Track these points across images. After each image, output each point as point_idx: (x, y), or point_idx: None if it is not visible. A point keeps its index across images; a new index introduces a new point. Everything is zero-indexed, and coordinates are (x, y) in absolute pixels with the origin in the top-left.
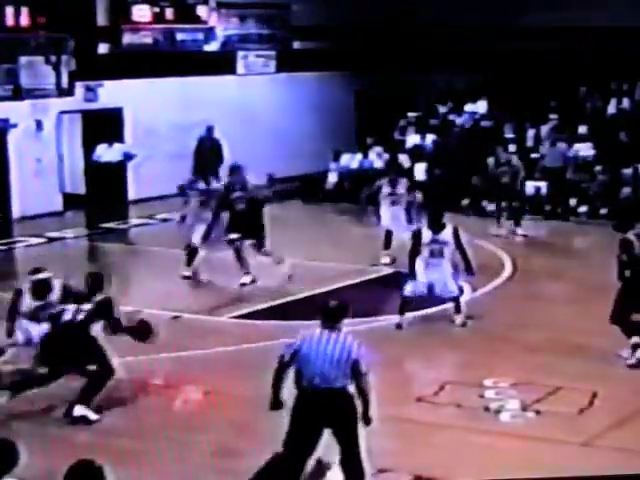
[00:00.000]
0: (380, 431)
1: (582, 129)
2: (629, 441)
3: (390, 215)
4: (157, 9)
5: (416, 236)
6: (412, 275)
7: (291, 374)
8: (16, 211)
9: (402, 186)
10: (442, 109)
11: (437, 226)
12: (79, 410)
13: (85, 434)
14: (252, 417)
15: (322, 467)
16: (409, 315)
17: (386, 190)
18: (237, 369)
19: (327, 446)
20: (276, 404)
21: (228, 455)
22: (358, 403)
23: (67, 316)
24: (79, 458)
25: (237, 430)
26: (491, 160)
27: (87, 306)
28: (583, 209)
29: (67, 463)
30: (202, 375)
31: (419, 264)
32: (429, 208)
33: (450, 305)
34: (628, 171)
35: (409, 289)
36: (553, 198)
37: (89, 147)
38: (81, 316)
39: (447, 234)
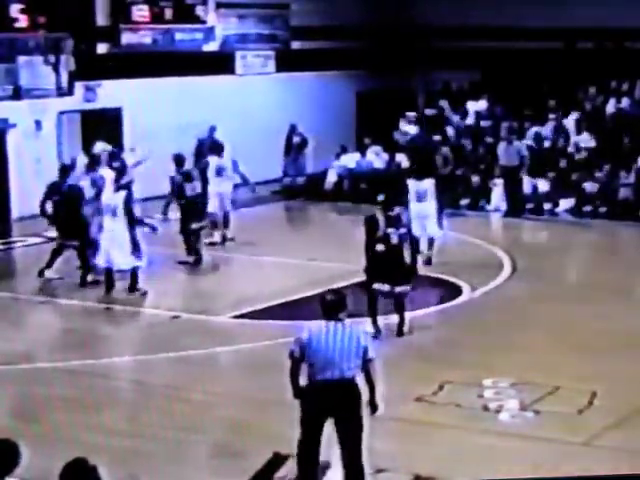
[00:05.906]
0: (379, 431)
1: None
2: (629, 441)
3: None
4: (156, 9)
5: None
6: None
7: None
8: (15, 211)
9: None
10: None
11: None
12: None
13: (85, 434)
14: (252, 417)
15: (322, 467)
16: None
17: None
18: (237, 369)
19: (327, 446)
20: (299, 393)
21: (228, 455)
22: (365, 392)
23: None
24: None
25: (237, 430)
26: None
27: None
28: (583, 209)
29: None
30: (202, 375)
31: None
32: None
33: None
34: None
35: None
36: (553, 197)
37: (88, 147)
38: None
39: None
